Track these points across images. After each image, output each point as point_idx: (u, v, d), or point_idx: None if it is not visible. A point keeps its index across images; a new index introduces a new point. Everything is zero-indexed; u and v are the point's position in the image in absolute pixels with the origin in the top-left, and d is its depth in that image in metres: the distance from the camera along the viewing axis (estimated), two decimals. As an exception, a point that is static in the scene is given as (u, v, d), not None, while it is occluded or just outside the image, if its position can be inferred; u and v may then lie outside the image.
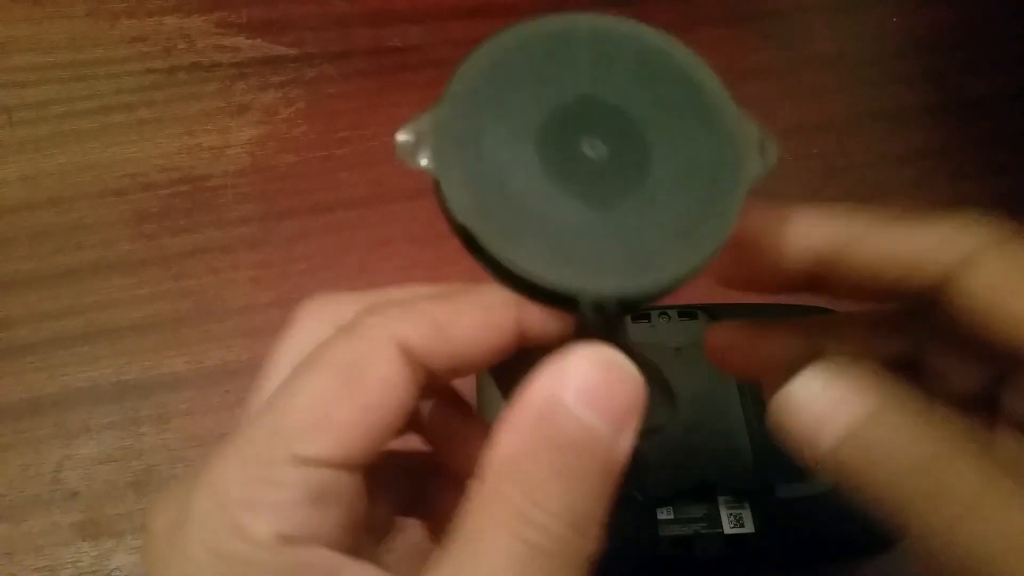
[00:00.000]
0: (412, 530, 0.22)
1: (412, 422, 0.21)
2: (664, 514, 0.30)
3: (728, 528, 0.30)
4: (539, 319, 0.18)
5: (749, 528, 0.30)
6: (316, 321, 0.20)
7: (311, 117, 0.44)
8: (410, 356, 0.18)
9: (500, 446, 0.16)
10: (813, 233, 0.19)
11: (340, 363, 0.17)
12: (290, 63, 0.45)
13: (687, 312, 0.34)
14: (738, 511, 0.30)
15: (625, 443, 0.16)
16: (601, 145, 0.17)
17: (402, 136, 0.17)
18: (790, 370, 0.18)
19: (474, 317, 0.18)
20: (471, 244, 0.17)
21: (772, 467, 0.30)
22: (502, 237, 0.16)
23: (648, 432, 0.17)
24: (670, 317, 0.34)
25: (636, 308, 0.18)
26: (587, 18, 0.19)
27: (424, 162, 0.17)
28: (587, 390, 0.16)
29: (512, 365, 0.18)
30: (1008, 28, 0.48)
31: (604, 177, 0.17)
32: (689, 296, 0.20)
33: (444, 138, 0.17)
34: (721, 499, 0.30)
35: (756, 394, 0.31)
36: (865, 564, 0.32)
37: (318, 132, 0.43)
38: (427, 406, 0.22)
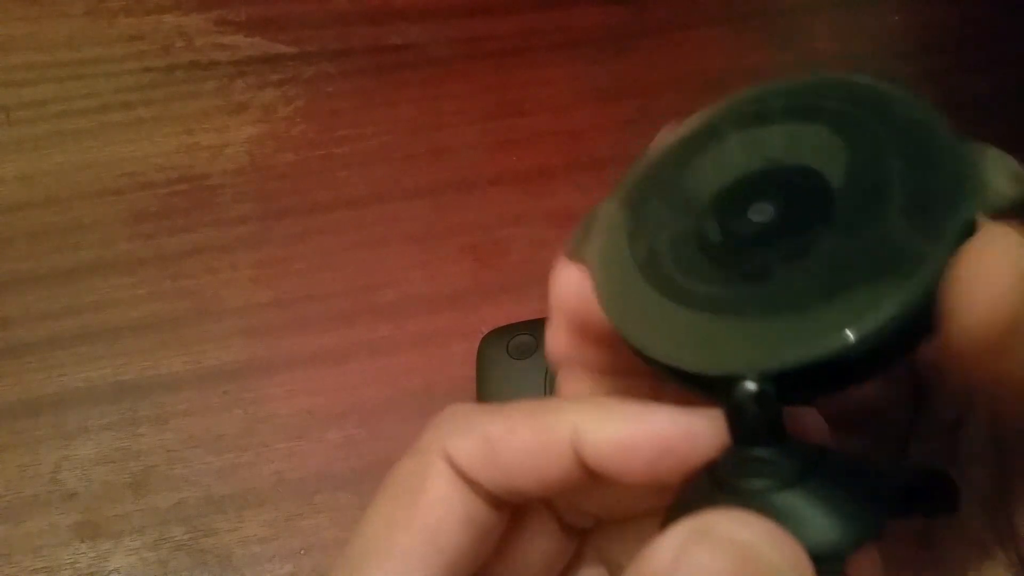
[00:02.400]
0: None
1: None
2: None
3: None
4: (607, 453, 0.15)
5: None
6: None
7: (310, 116, 0.43)
8: (462, 474, 0.16)
9: None
10: None
11: (400, 484, 0.17)
12: (289, 62, 0.45)
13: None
14: None
15: None
16: (770, 207, 0.15)
17: (573, 239, 0.17)
18: None
19: (526, 437, 0.16)
20: (624, 341, 0.15)
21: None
22: (641, 325, 0.15)
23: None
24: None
25: (806, 390, 0.14)
26: (781, 88, 0.16)
27: (581, 256, 0.16)
28: None
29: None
30: (1010, 27, 0.48)
31: (768, 243, 0.14)
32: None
33: (604, 224, 0.16)
34: None
35: None
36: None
37: (317, 131, 0.43)
38: None
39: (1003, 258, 0.13)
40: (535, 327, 0.34)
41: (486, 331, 0.36)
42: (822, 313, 0.13)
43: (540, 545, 0.18)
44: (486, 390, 0.34)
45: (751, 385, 0.13)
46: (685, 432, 0.15)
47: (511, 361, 0.34)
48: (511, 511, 0.17)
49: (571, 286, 0.17)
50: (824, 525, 0.13)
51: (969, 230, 0.13)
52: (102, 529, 0.34)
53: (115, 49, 0.45)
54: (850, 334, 0.13)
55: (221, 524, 0.34)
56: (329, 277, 0.39)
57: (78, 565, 0.33)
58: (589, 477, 0.16)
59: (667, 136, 0.17)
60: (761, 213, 0.15)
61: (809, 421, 0.16)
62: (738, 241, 0.15)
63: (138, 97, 0.44)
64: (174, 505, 0.34)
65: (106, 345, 0.37)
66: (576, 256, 0.16)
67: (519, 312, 0.36)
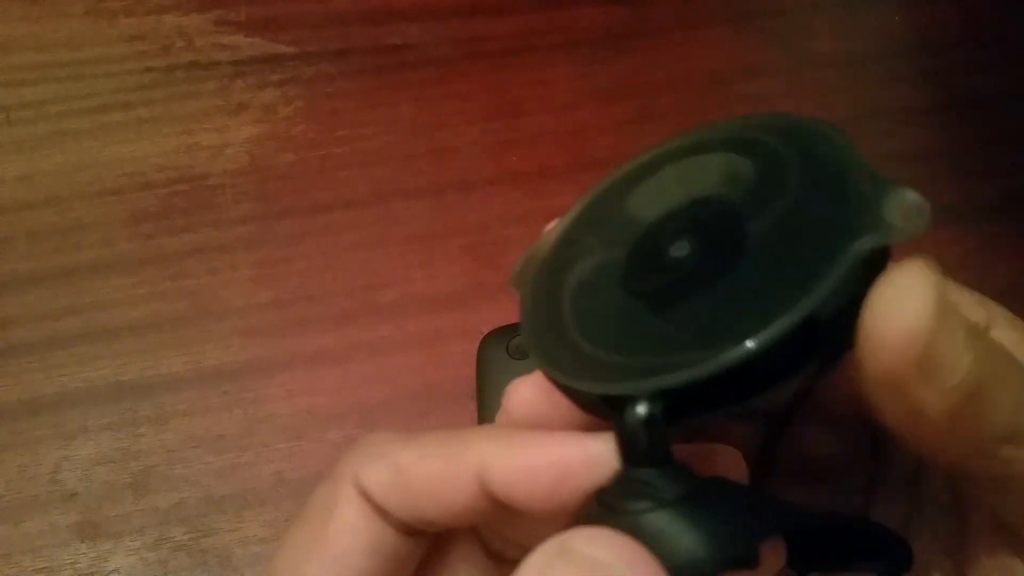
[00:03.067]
0: None
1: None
2: None
3: None
4: (511, 481, 0.15)
5: None
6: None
7: (310, 116, 0.43)
8: (371, 501, 0.16)
9: None
10: None
11: (312, 510, 0.17)
12: (289, 62, 0.45)
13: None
14: None
15: None
16: (689, 245, 0.15)
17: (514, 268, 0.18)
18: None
19: (434, 467, 0.16)
20: (537, 366, 0.16)
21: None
22: (552, 352, 0.15)
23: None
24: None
25: (697, 409, 0.14)
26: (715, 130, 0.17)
27: (516, 284, 0.17)
28: None
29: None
30: (1011, 27, 0.48)
31: (682, 276, 0.15)
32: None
33: (532, 262, 0.17)
34: None
35: None
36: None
37: (317, 131, 0.43)
38: None
39: (914, 288, 0.13)
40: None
41: (486, 331, 0.36)
42: (710, 336, 0.14)
43: (465, 573, 0.18)
44: (486, 390, 0.34)
45: (640, 407, 0.14)
46: (582, 456, 0.15)
47: (511, 361, 0.34)
48: (429, 539, 0.17)
49: (523, 407, 0.17)
50: (689, 545, 0.13)
51: (867, 261, 0.14)
52: (102, 529, 0.34)
53: (115, 49, 0.45)
54: (730, 353, 0.13)
55: (221, 524, 0.34)
56: (329, 277, 0.39)
57: (78, 565, 0.33)
58: (497, 506, 0.16)
59: (612, 173, 0.18)
60: (679, 248, 0.15)
61: (728, 459, 0.16)
62: (654, 275, 0.15)
63: (138, 97, 0.44)
64: (174, 505, 0.34)
65: (106, 345, 0.37)
66: (514, 284, 0.17)
67: (519, 312, 0.36)
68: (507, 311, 0.37)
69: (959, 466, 0.16)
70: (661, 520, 0.13)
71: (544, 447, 0.15)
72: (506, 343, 0.35)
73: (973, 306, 0.16)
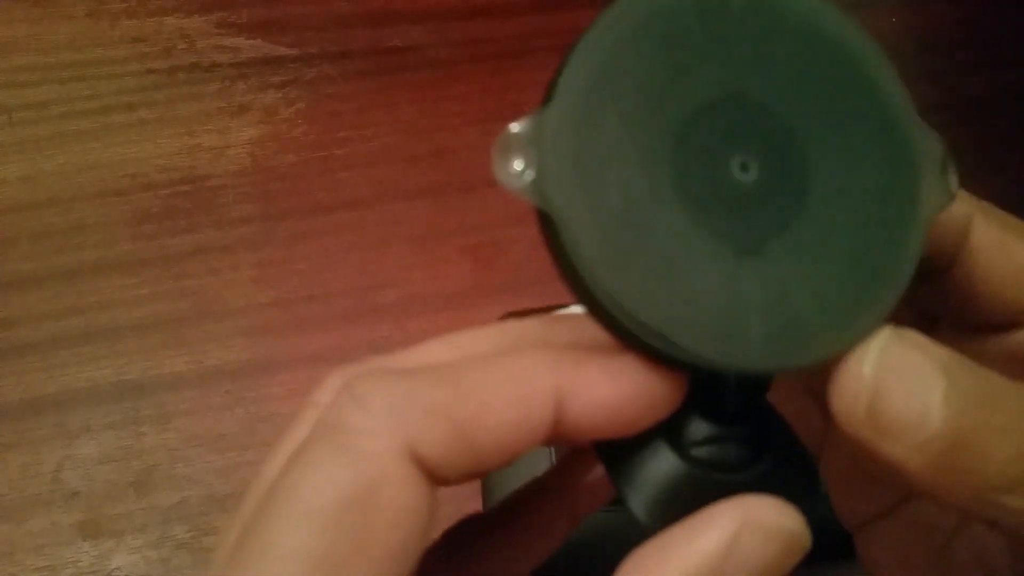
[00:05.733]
0: None
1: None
2: None
3: None
4: (595, 415, 0.14)
5: None
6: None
7: (311, 117, 0.44)
8: (424, 469, 0.13)
9: None
10: None
11: (337, 502, 0.12)
12: (290, 63, 0.45)
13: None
14: None
15: None
16: (753, 165, 0.14)
17: (503, 161, 0.14)
18: None
19: (503, 415, 0.13)
20: (593, 304, 0.13)
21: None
22: (638, 299, 0.13)
23: None
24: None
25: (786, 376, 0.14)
26: None
27: (532, 192, 0.13)
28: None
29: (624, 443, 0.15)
30: (1008, 27, 0.48)
31: (755, 210, 0.14)
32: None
33: (557, 159, 0.13)
34: None
35: None
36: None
37: (318, 132, 0.43)
38: None
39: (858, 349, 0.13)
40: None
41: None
42: (813, 320, 0.14)
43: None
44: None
45: (753, 374, 0.14)
46: (663, 394, 0.14)
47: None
48: None
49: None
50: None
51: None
52: (104, 528, 0.34)
53: (117, 51, 0.45)
54: (835, 348, 0.13)
55: (223, 523, 0.34)
56: (330, 277, 0.39)
57: (80, 564, 0.33)
58: (555, 434, 0.14)
59: (605, 19, 0.14)
60: (739, 170, 0.14)
61: None
62: (724, 197, 0.14)
63: (140, 98, 0.44)
64: (176, 504, 0.34)
65: (108, 345, 0.37)
66: (516, 184, 0.14)
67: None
68: (507, 311, 0.37)
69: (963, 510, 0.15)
70: (762, 483, 0.14)
71: (629, 380, 0.14)
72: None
73: (954, 358, 0.14)
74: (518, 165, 0.13)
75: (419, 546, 0.13)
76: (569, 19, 0.47)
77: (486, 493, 0.33)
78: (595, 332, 0.14)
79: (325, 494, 0.12)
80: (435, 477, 0.13)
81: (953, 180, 0.15)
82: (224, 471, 0.35)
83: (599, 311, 0.13)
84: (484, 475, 0.14)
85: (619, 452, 0.15)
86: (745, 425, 0.15)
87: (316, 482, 0.12)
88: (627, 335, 0.13)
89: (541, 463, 0.22)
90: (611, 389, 0.14)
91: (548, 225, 0.13)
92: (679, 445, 0.14)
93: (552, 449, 0.31)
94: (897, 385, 0.13)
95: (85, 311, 0.38)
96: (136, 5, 0.46)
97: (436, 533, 0.18)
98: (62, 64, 0.45)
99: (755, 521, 0.13)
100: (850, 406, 0.13)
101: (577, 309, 0.14)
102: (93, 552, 0.33)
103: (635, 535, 0.14)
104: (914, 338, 0.14)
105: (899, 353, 0.13)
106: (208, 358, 0.37)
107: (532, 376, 0.14)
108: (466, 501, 0.32)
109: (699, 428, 0.14)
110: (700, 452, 0.14)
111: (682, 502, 0.14)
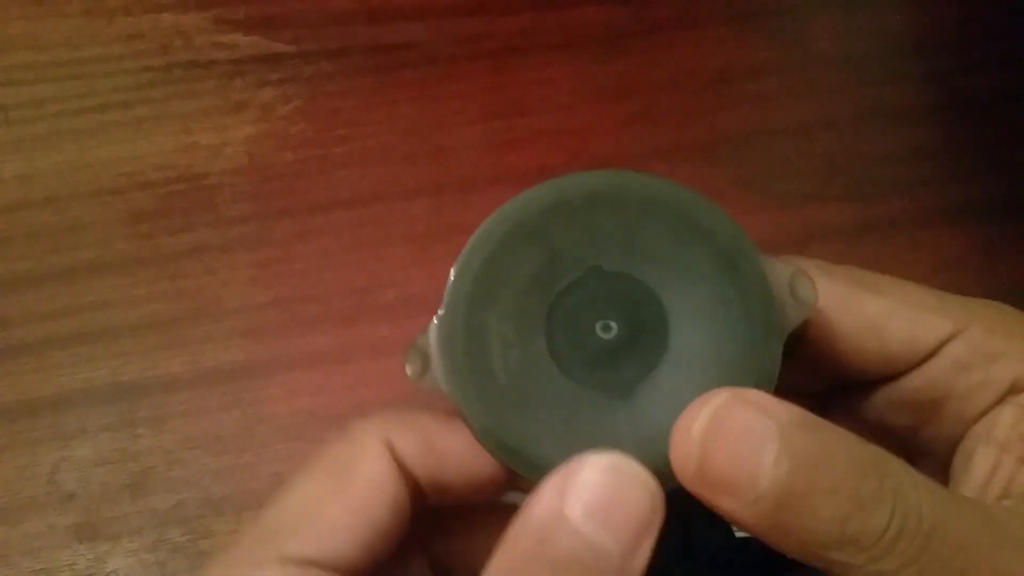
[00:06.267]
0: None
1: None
2: None
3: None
4: None
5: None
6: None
7: (309, 115, 0.43)
8: (399, 462, 0.18)
9: (495, 566, 0.15)
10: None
11: (330, 464, 0.17)
12: (288, 60, 0.45)
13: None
14: None
15: (640, 561, 0.14)
16: (615, 324, 0.17)
17: (410, 365, 0.17)
18: None
19: (465, 441, 0.18)
20: (498, 457, 0.17)
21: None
22: (523, 446, 0.16)
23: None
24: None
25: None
26: (578, 180, 0.18)
27: (439, 384, 0.17)
28: (594, 503, 0.14)
29: None
30: (1012, 27, 0.48)
31: (623, 361, 0.16)
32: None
33: (451, 356, 0.17)
34: None
35: None
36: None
37: (316, 130, 0.43)
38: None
39: (692, 412, 0.15)
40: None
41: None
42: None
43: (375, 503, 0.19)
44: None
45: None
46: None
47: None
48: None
49: None
50: None
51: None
52: (100, 530, 0.34)
53: (113, 48, 0.45)
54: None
55: (220, 526, 0.34)
56: (329, 277, 0.39)
57: (76, 566, 0.33)
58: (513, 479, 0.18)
59: (482, 236, 0.18)
60: (606, 330, 0.17)
61: None
62: (592, 355, 0.17)
63: (136, 96, 0.43)
64: (172, 506, 0.34)
65: (104, 346, 0.37)
66: (427, 386, 0.17)
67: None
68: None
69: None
70: None
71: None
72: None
73: (796, 418, 0.15)
74: (414, 366, 0.18)
75: (388, 518, 0.17)
76: (569, 15, 0.47)
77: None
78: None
79: (323, 459, 0.18)
80: (406, 472, 0.18)
81: (807, 291, 0.16)
82: (221, 473, 0.35)
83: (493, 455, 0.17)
84: (453, 499, 0.19)
85: None
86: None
87: (321, 453, 0.18)
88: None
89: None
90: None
91: (457, 409, 0.17)
92: None
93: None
94: (725, 445, 0.14)
95: (81, 311, 0.38)
96: (132, 2, 0.46)
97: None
98: (58, 62, 0.44)
99: (588, 460, 0.15)
100: (681, 462, 0.15)
101: None
102: (89, 555, 0.33)
103: None
104: (754, 398, 0.15)
105: (731, 415, 0.14)
106: (205, 359, 0.37)
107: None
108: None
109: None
110: None
111: None
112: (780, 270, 0.16)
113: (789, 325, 0.16)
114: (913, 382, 0.19)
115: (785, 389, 0.16)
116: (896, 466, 0.15)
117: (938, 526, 0.14)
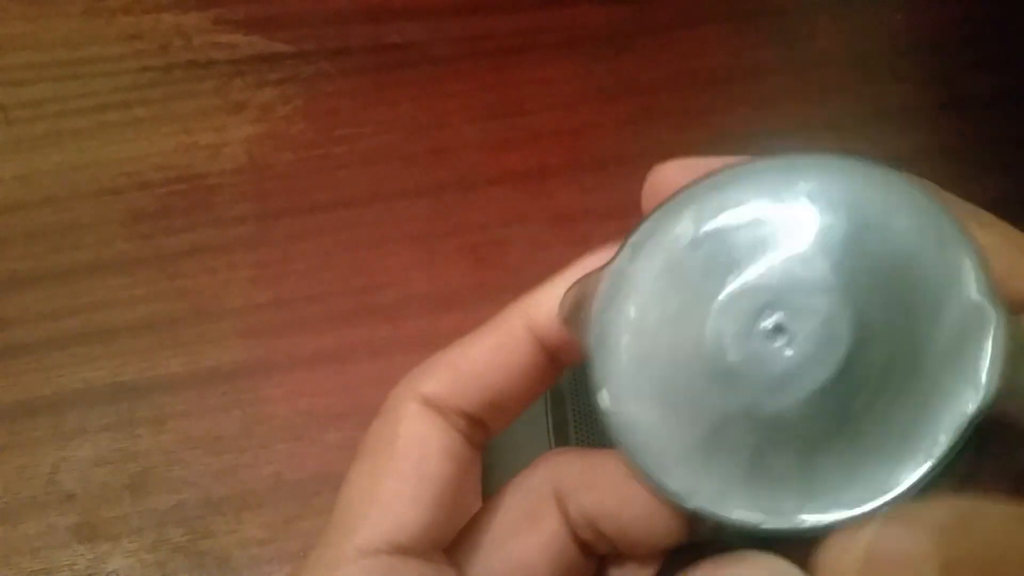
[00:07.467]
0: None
1: None
2: None
3: None
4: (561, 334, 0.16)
5: None
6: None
7: (309, 115, 0.43)
8: (440, 408, 0.17)
9: None
10: None
11: (375, 440, 0.17)
12: (288, 60, 0.45)
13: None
14: None
15: None
16: (790, 339, 0.15)
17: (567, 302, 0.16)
18: None
19: (484, 343, 0.17)
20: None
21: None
22: (674, 469, 0.15)
23: None
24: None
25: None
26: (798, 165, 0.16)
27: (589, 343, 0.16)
28: None
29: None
30: (1014, 26, 0.48)
31: (793, 386, 0.14)
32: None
33: (597, 306, 0.16)
34: None
35: None
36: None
37: (316, 130, 0.43)
38: None
39: (844, 544, 0.13)
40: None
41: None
42: (855, 493, 0.14)
43: (554, 557, 0.18)
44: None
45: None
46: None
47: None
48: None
49: (669, 185, 0.16)
50: None
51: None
52: (100, 531, 0.34)
53: (113, 48, 0.45)
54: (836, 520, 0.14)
55: (219, 526, 0.34)
56: (328, 277, 0.39)
57: (76, 567, 0.33)
58: (552, 361, 0.17)
59: (666, 205, 0.16)
60: (782, 340, 0.15)
61: None
62: (759, 369, 0.15)
63: (136, 96, 0.43)
64: (172, 507, 0.34)
65: (104, 346, 0.37)
66: (573, 327, 0.16)
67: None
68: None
69: None
70: None
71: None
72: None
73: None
74: (576, 311, 0.16)
75: (445, 475, 0.16)
76: (569, 15, 0.47)
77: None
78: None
79: (367, 440, 0.17)
80: (450, 416, 0.17)
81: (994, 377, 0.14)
82: (220, 473, 0.35)
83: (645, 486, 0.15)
84: (504, 416, 0.18)
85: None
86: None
87: (365, 437, 0.18)
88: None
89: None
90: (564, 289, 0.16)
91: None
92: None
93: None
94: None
95: (80, 311, 0.38)
96: (132, 2, 0.46)
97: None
98: (57, 62, 0.44)
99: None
100: None
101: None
102: (89, 555, 0.33)
103: None
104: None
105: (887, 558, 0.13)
106: (204, 359, 0.37)
107: (507, 310, 0.17)
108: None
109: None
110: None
111: None
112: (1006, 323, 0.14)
113: (967, 414, 0.14)
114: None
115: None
116: None
117: None
